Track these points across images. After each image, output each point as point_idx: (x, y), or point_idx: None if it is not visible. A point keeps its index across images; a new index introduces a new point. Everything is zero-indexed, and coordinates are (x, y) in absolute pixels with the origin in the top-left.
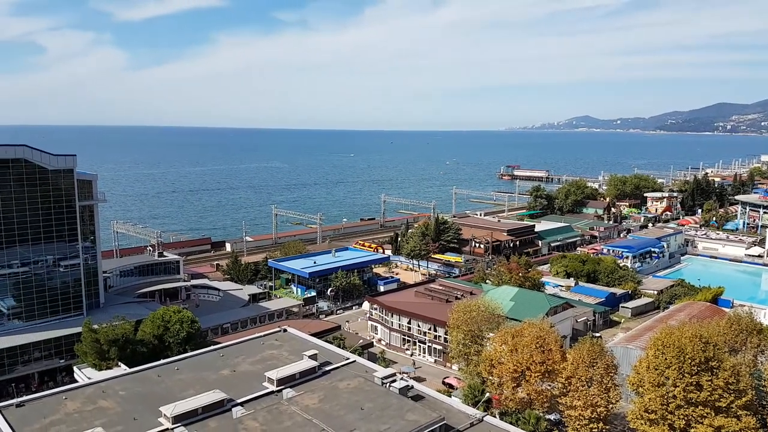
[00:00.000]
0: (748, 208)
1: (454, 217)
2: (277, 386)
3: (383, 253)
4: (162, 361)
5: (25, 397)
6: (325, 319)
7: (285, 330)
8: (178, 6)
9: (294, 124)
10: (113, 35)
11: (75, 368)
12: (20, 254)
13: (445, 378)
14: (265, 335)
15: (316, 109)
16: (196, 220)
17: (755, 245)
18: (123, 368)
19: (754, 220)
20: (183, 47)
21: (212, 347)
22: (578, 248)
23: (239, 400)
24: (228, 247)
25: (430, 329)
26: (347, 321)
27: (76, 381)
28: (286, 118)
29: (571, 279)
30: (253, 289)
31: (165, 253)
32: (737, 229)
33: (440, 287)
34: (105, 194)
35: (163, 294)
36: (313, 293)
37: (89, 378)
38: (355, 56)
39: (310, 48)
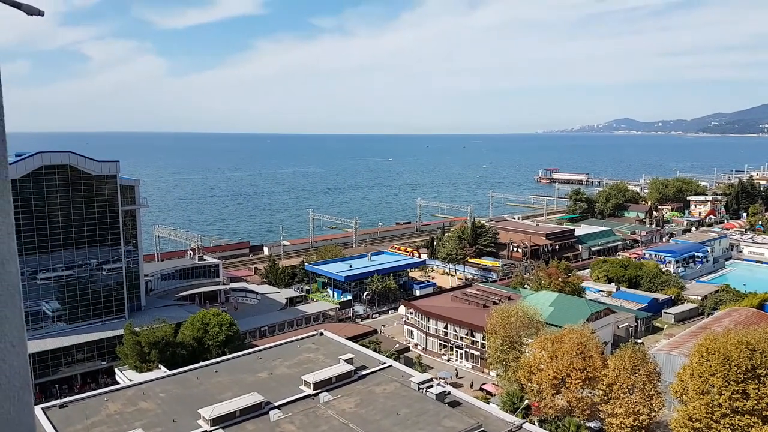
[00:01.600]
0: None
1: (491, 220)
2: (313, 390)
3: (419, 257)
4: (201, 364)
5: (67, 398)
6: (361, 322)
7: (321, 333)
8: (219, 14)
9: (332, 129)
10: (155, 43)
11: (116, 370)
12: (65, 258)
13: (482, 384)
14: (301, 338)
15: (353, 113)
16: (235, 225)
17: None
18: (163, 370)
19: None
20: (223, 54)
21: (250, 350)
22: (619, 253)
23: (276, 403)
24: (266, 250)
25: (467, 334)
26: (383, 325)
27: (118, 383)
28: (324, 123)
29: (613, 284)
30: (290, 292)
31: (205, 257)
32: None
33: (477, 292)
34: (147, 199)
35: (203, 297)
36: (349, 297)
37: (130, 380)
38: (392, 60)
39: (347, 53)
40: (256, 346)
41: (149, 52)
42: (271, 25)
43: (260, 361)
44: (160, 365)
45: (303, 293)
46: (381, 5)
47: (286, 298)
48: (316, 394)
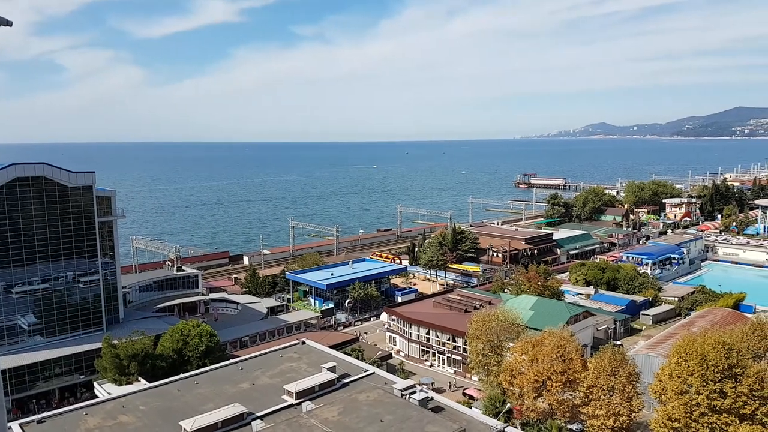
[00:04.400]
0: None
1: (471, 226)
2: (296, 399)
3: (400, 263)
4: (181, 376)
5: (45, 414)
6: (343, 330)
7: (303, 342)
8: (197, 23)
9: (311, 138)
10: (132, 53)
11: (95, 384)
12: (41, 271)
13: (465, 389)
14: (283, 348)
15: (334, 121)
16: (214, 234)
17: None
18: (143, 383)
19: None
20: (201, 63)
21: (231, 360)
22: (597, 256)
23: (259, 414)
24: (246, 260)
25: (449, 340)
26: (365, 332)
27: (97, 396)
28: (304, 132)
29: (591, 287)
30: (271, 301)
31: (183, 268)
32: (758, 233)
33: (458, 297)
34: (124, 210)
35: (182, 308)
36: (331, 305)
37: (109, 393)
38: (373, 69)
39: (327, 61)
40: (238, 356)
41: (126, 62)
42: (249, 34)
43: (242, 371)
44: (139, 378)
45: (284, 302)
46: (360, 14)
47: (267, 308)
48: (299, 404)
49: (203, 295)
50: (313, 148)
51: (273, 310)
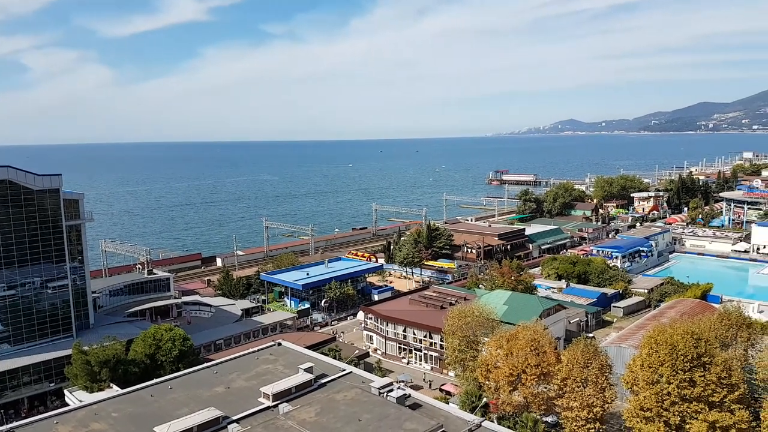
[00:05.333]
0: (732, 204)
1: (446, 223)
2: (272, 401)
3: (376, 262)
4: (155, 381)
5: (14, 424)
6: (320, 330)
7: (279, 344)
8: (166, 21)
9: (283, 136)
10: (99, 52)
11: (66, 391)
12: (6, 277)
13: (442, 385)
14: (259, 350)
15: (307, 120)
16: (186, 236)
17: (741, 241)
18: (115, 389)
19: (739, 216)
20: (171, 62)
21: (206, 364)
22: (568, 250)
23: (234, 417)
24: (219, 262)
25: (425, 336)
26: (342, 332)
27: (67, 404)
28: (276, 131)
29: (563, 281)
30: (246, 303)
31: (155, 271)
32: (723, 225)
33: (434, 294)
34: (92, 213)
35: (154, 312)
36: (307, 305)
37: (80, 401)
38: (345, 67)
39: (299, 60)
40: (212, 360)
41: (93, 62)
42: (219, 32)
43: (216, 375)
44: (111, 384)
45: (259, 304)
46: (331, 12)
47: (242, 310)
48: (276, 406)
49: (175, 298)
50: (286, 146)
51: (248, 312)
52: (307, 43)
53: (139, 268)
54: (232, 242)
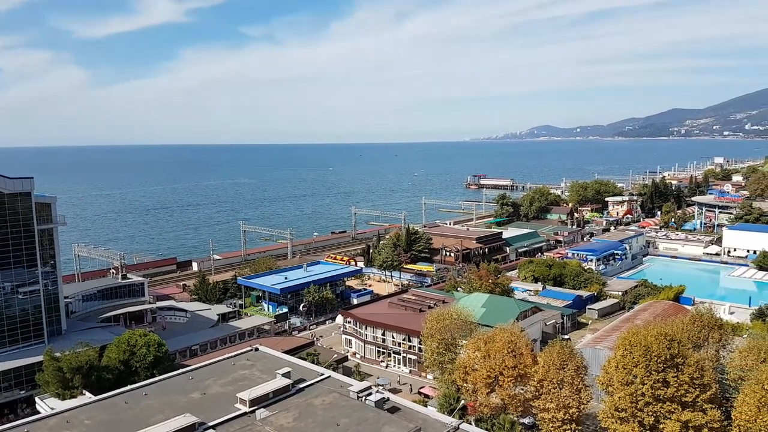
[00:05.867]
0: (704, 208)
1: (425, 227)
2: (249, 407)
3: (355, 265)
4: (129, 387)
5: None
6: (299, 335)
7: (257, 349)
8: (142, 22)
9: (262, 139)
10: (74, 53)
11: (37, 399)
12: None
13: (420, 388)
14: (235, 355)
15: (284, 123)
16: (161, 240)
17: (712, 244)
18: (88, 396)
19: (711, 219)
20: (148, 64)
21: (181, 370)
22: (544, 253)
23: (211, 423)
24: (195, 266)
25: (404, 340)
26: (321, 336)
27: (39, 412)
28: (255, 134)
29: (539, 283)
30: (222, 308)
31: (129, 276)
32: (695, 229)
33: (413, 297)
34: (65, 217)
35: (128, 317)
36: (285, 309)
37: (52, 408)
38: (324, 71)
39: (277, 62)
40: (187, 365)
41: (68, 63)
42: (197, 34)
43: (192, 381)
44: (84, 391)
45: (236, 308)
46: (310, 15)
47: (218, 315)
48: (253, 411)
49: (150, 303)
50: (265, 150)
51: (224, 317)
52: (286, 46)
53: (112, 273)
54: (209, 246)
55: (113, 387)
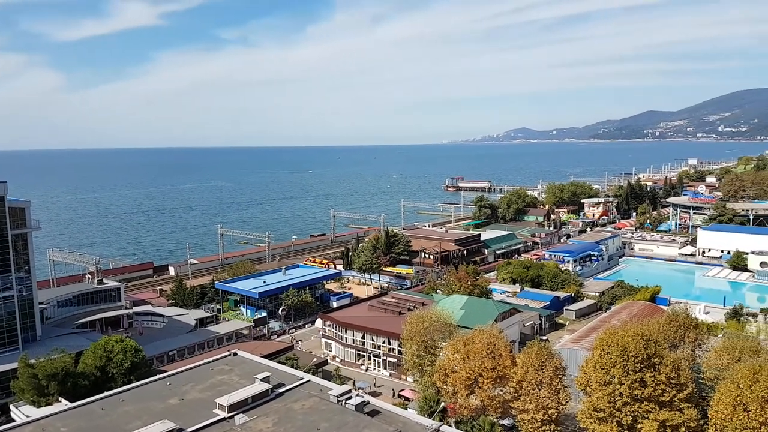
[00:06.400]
0: (678, 209)
1: (404, 229)
2: (228, 412)
3: (335, 268)
4: (106, 394)
5: None
6: (278, 339)
7: (235, 353)
8: (117, 26)
9: (239, 142)
10: (48, 56)
11: (11, 407)
12: None
13: (400, 390)
14: (214, 360)
15: (262, 126)
16: (137, 245)
17: (687, 245)
18: (64, 403)
19: (685, 220)
20: (123, 67)
21: (159, 376)
22: (522, 255)
23: (189, 429)
24: (171, 270)
25: (384, 342)
26: (300, 340)
27: (14, 420)
28: (233, 136)
29: (517, 285)
30: (200, 313)
31: (105, 280)
32: (670, 230)
33: (393, 300)
34: (39, 222)
35: (105, 323)
36: (264, 313)
37: (27, 416)
38: (302, 73)
39: (254, 65)
40: (165, 371)
41: (41, 66)
42: (172, 37)
43: (170, 386)
44: (60, 398)
45: (214, 313)
46: (286, 18)
47: (196, 320)
48: (232, 417)
49: (126, 308)
50: (242, 153)
51: (202, 322)
52: (262, 49)
53: (88, 278)
54: (186, 250)
55: (89, 394)
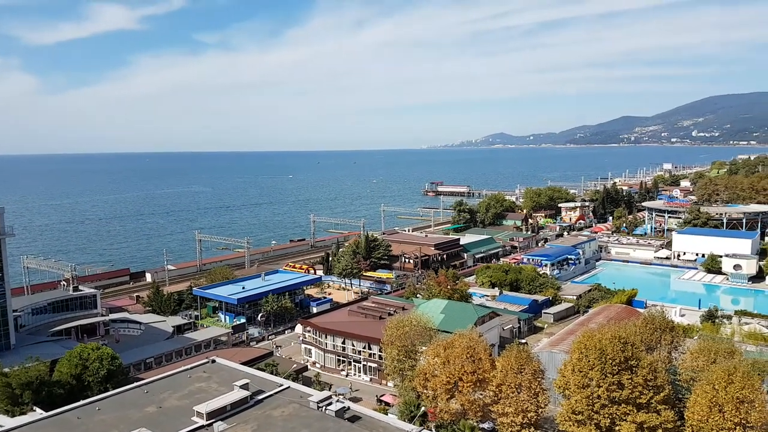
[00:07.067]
0: (654, 213)
1: (384, 234)
2: (207, 420)
3: (315, 273)
4: (82, 402)
5: None
6: (257, 345)
7: (213, 361)
8: (94, 29)
9: (219, 147)
10: (23, 60)
11: None
12: None
13: (381, 396)
14: (192, 368)
15: (242, 130)
16: (113, 251)
17: (662, 248)
18: (39, 413)
19: (660, 224)
20: (101, 71)
21: (136, 384)
22: (501, 259)
23: None
24: (148, 277)
25: (364, 347)
26: (280, 346)
27: None
28: (211, 141)
29: (496, 288)
30: (177, 320)
31: (80, 287)
32: (645, 233)
33: (373, 305)
34: (13, 228)
35: (80, 331)
36: (243, 320)
37: (1, 426)
38: (282, 77)
39: (234, 69)
40: (142, 379)
41: (16, 69)
42: (151, 41)
43: (147, 394)
44: (35, 407)
45: (192, 320)
46: (266, 22)
47: (173, 327)
48: (210, 425)
49: (103, 315)
50: (222, 157)
51: (180, 329)
52: (243, 53)
53: (63, 285)
54: (163, 256)
55: (65, 402)
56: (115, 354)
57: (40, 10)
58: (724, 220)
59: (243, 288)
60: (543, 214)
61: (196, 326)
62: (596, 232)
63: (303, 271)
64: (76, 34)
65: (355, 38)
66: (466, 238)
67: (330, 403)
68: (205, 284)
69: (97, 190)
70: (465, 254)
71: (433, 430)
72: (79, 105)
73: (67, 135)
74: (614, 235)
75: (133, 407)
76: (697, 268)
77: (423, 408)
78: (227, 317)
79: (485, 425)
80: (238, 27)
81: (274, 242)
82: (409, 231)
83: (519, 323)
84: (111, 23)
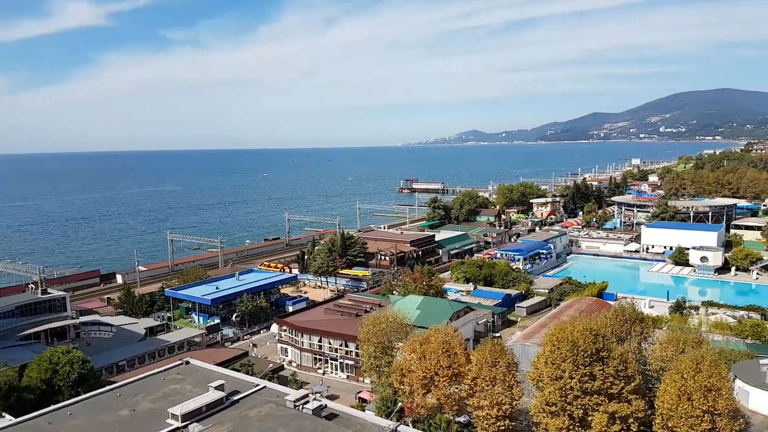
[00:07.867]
0: (623, 208)
1: (359, 231)
2: (182, 422)
3: (290, 272)
4: (52, 407)
5: None
6: (232, 346)
7: (187, 362)
8: (58, 26)
9: (189, 145)
10: None
11: None
12: None
13: (358, 392)
14: (165, 369)
15: (212, 129)
16: (82, 253)
17: (632, 241)
18: (8, 419)
19: (629, 218)
20: (67, 68)
21: (108, 387)
22: (475, 254)
23: None
24: (119, 278)
25: (341, 345)
26: (255, 345)
27: None
28: (180, 139)
29: (470, 284)
30: (150, 321)
31: (49, 290)
32: (615, 227)
33: (349, 302)
34: None
35: (50, 334)
36: (217, 320)
37: None
38: (252, 75)
39: (204, 66)
40: (115, 382)
41: None
42: (117, 38)
43: (120, 397)
44: (4, 414)
45: (164, 321)
46: (236, 18)
47: (146, 328)
48: (185, 427)
49: (73, 318)
50: (193, 156)
51: (152, 331)
52: (212, 50)
53: (31, 288)
54: (134, 257)
55: (35, 408)
56: (86, 357)
57: (2, 7)
58: (691, 214)
59: (217, 288)
60: (515, 210)
61: (169, 328)
62: (567, 227)
63: (278, 270)
64: (41, 30)
65: (326, 37)
66: (440, 235)
67: (307, 402)
68: (177, 285)
69: (64, 191)
70: (440, 250)
71: (410, 425)
72: (43, 104)
73: (32, 135)
74: (584, 229)
75: (105, 411)
76: (665, 261)
77: (400, 403)
78: (201, 318)
79: (461, 419)
80: (206, 23)
81: (248, 241)
82: (384, 228)
83: (493, 317)
84: (77, 19)
